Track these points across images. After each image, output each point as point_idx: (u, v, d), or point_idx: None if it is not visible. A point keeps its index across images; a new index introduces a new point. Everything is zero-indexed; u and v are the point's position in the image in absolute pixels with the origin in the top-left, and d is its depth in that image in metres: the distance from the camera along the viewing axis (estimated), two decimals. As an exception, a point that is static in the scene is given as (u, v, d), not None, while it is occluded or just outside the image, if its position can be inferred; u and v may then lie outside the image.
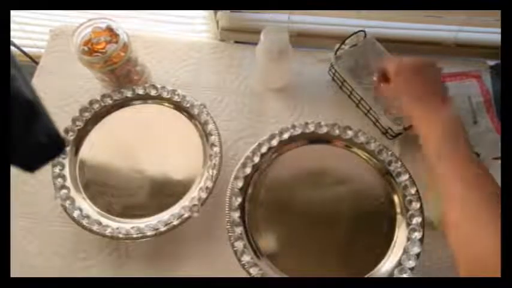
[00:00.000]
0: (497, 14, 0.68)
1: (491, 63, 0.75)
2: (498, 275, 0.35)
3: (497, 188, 0.41)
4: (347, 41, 0.69)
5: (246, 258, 0.56)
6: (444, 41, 0.77)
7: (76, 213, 0.60)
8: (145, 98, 0.70)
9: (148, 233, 0.59)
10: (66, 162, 0.65)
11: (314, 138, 0.65)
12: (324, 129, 0.64)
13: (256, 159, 0.63)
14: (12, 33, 0.89)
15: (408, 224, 0.57)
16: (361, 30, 0.69)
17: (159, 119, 0.69)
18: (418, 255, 0.55)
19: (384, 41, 0.70)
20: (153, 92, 0.69)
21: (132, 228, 0.60)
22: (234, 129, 0.71)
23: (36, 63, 0.81)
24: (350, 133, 0.64)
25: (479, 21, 0.73)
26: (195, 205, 0.60)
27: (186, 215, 0.60)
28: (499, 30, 0.73)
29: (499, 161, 0.67)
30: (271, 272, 0.56)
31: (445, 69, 0.74)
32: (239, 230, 0.58)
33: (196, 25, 0.81)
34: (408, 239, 0.56)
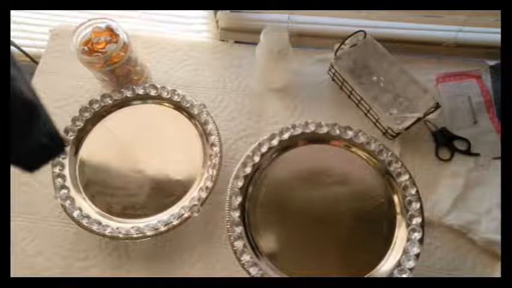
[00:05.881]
0: (497, 14, 0.68)
1: (491, 63, 0.75)
2: None
3: None
4: (347, 41, 0.69)
5: (245, 257, 0.56)
6: (444, 41, 0.77)
7: (76, 213, 0.60)
8: (145, 98, 0.70)
9: (148, 233, 0.59)
10: (66, 162, 0.65)
11: (314, 138, 0.65)
12: (324, 129, 0.64)
13: (257, 158, 0.63)
14: (12, 33, 0.89)
15: (408, 225, 0.57)
16: (361, 30, 0.69)
17: (159, 119, 0.69)
18: (417, 255, 0.54)
19: (384, 41, 0.70)
20: (153, 92, 0.70)
21: (132, 228, 0.60)
22: (234, 129, 0.71)
23: (36, 63, 0.81)
24: (350, 133, 0.64)
25: (479, 21, 0.73)
26: (195, 205, 0.60)
27: (186, 215, 0.60)
28: (499, 30, 0.72)
29: (499, 161, 0.67)
30: (271, 272, 0.56)
31: (445, 69, 0.75)
32: (239, 229, 0.58)
33: (196, 25, 0.81)
34: (408, 239, 0.56)
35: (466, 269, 0.60)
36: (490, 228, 0.61)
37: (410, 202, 0.58)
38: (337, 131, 0.64)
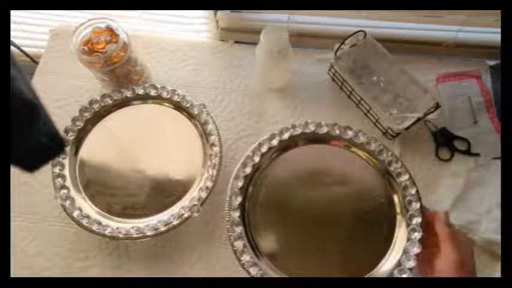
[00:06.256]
0: (497, 14, 0.68)
1: (491, 63, 0.75)
2: None
3: None
4: (347, 41, 0.69)
5: (245, 257, 0.56)
6: (444, 41, 0.77)
7: (76, 213, 0.60)
8: (145, 98, 0.70)
9: (148, 233, 0.59)
10: (66, 162, 0.65)
11: (314, 138, 0.65)
12: (324, 129, 0.64)
13: (257, 158, 0.63)
14: (12, 33, 0.89)
15: (408, 224, 0.57)
16: (361, 30, 0.69)
17: (159, 119, 0.69)
18: (417, 255, 0.54)
19: (384, 41, 0.70)
20: (153, 92, 0.69)
21: (132, 228, 0.60)
22: (234, 129, 0.71)
23: (36, 63, 0.81)
24: (350, 133, 0.64)
25: (479, 21, 0.73)
26: (195, 205, 0.60)
27: (186, 215, 0.60)
28: (499, 30, 0.72)
29: (499, 161, 0.67)
30: (271, 272, 0.56)
31: (445, 69, 0.75)
32: (239, 229, 0.58)
33: (196, 25, 0.81)
34: (408, 239, 0.56)
35: (466, 269, 0.60)
36: (490, 228, 0.61)
37: (410, 202, 0.58)
38: (337, 131, 0.64)
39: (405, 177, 0.60)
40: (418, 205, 0.58)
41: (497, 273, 0.59)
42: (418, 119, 0.65)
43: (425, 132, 0.70)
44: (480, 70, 0.74)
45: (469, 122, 0.70)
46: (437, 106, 0.64)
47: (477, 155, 0.67)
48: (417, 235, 0.56)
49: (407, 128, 0.66)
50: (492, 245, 0.60)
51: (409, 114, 0.66)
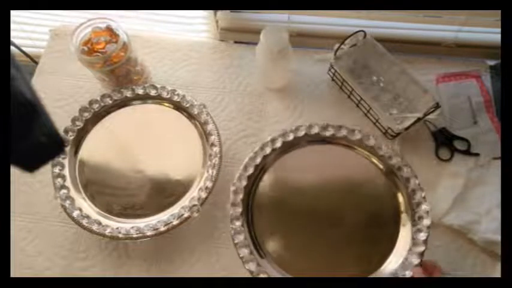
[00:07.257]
0: (497, 14, 0.68)
1: (491, 63, 0.75)
2: None
3: None
4: (347, 41, 0.69)
5: (247, 256, 0.56)
6: (444, 41, 0.77)
7: (76, 213, 0.60)
8: (145, 98, 0.70)
9: (148, 233, 0.59)
10: (66, 162, 0.65)
11: (319, 139, 0.65)
12: (339, 132, 0.64)
13: (258, 159, 0.63)
14: (12, 33, 0.89)
15: (413, 225, 0.57)
16: (361, 30, 0.69)
17: (159, 119, 0.69)
18: (422, 255, 0.54)
19: (384, 41, 0.70)
20: (152, 92, 0.69)
21: (132, 228, 0.60)
22: (234, 129, 0.71)
23: (36, 63, 0.81)
24: (360, 136, 0.63)
25: (479, 21, 0.73)
26: (194, 205, 0.60)
27: (186, 215, 0.60)
28: (499, 30, 0.72)
29: (499, 161, 0.67)
30: (274, 272, 0.56)
31: (445, 69, 0.75)
32: (241, 228, 0.58)
33: (196, 25, 0.81)
34: (413, 239, 0.56)
35: (466, 268, 0.60)
36: (490, 228, 0.61)
37: (418, 204, 0.58)
38: (345, 133, 0.64)
39: (414, 181, 0.59)
40: (423, 206, 0.57)
41: (497, 273, 0.59)
42: (418, 119, 0.65)
43: (425, 132, 0.70)
44: (480, 70, 0.74)
45: (469, 122, 0.70)
46: (437, 106, 0.64)
47: (477, 155, 0.67)
48: (422, 235, 0.55)
49: (407, 128, 0.66)
50: (492, 245, 0.60)
51: (409, 114, 0.66)
